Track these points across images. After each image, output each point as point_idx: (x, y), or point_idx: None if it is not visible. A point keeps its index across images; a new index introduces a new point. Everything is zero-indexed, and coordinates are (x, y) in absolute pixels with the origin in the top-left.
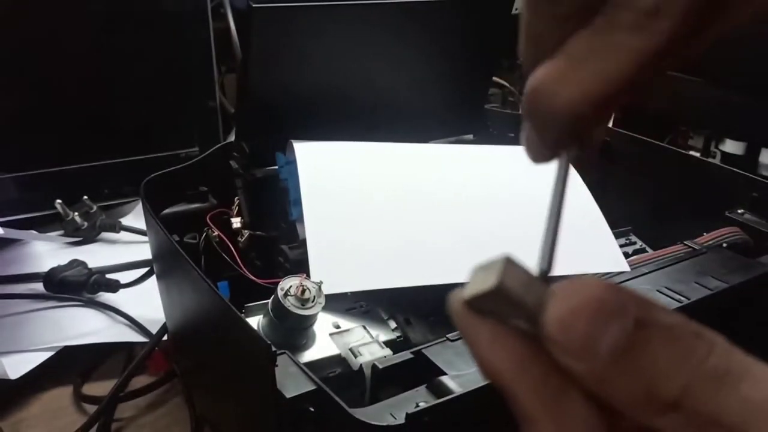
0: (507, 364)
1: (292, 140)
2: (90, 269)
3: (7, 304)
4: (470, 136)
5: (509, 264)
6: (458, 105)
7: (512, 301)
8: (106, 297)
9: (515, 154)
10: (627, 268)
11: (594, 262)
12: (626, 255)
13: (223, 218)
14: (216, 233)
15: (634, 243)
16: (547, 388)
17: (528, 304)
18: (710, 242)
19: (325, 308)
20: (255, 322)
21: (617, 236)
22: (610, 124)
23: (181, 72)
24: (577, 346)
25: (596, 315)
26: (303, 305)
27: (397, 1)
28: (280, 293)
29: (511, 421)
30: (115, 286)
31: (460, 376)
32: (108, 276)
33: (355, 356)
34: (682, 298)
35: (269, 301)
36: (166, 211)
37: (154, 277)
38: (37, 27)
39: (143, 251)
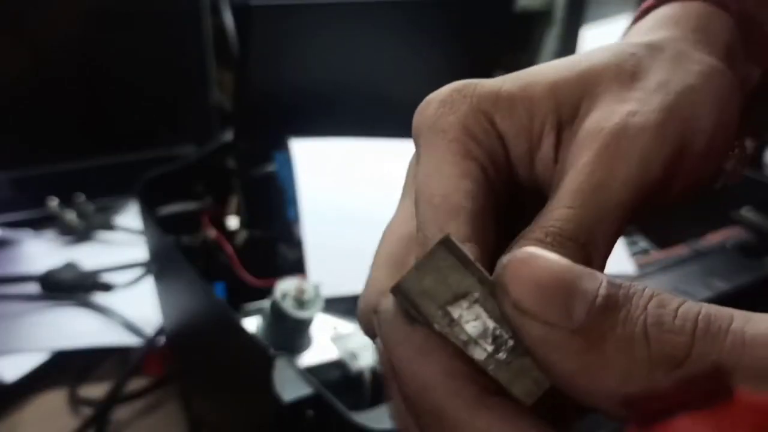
0: (438, 378)
1: (290, 138)
2: (85, 270)
3: (2, 305)
4: None
5: (448, 236)
6: None
7: (463, 263)
8: (101, 298)
9: None
10: (632, 270)
11: None
12: (631, 256)
13: (220, 218)
14: (213, 233)
15: (639, 243)
16: (477, 403)
17: (479, 268)
18: (715, 243)
19: (324, 311)
20: (252, 323)
21: (622, 237)
22: None
23: (178, 70)
24: (557, 306)
25: (567, 270)
26: (301, 307)
27: (397, 0)
28: (277, 295)
29: None
30: (110, 287)
31: None
32: (103, 276)
33: (355, 360)
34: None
35: (267, 302)
36: (163, 210)
37: (150, 277)
38: (34, 25)
39: (139, 251)
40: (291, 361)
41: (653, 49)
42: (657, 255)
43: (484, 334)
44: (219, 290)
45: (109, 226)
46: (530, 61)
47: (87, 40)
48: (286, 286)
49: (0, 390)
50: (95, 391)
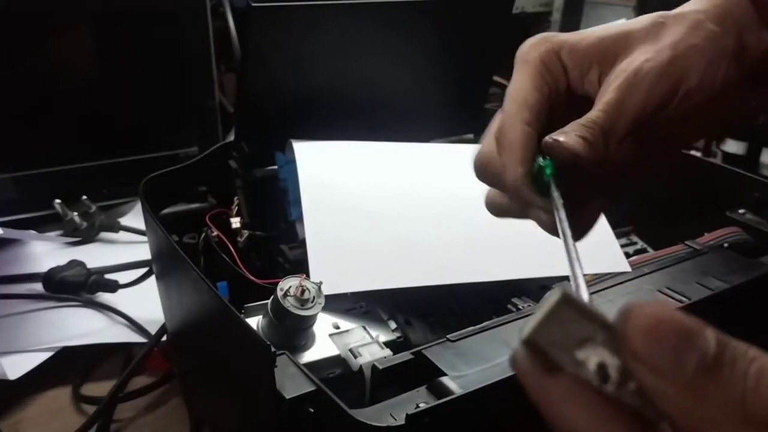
0: (585, 417)
1: (292, 140)
2: (89, 269)
3: (7, 304)
4: (470, 136)
5: (565, 291)
6: (458, 105)
7: (581, 313)
8: (105, 297)
9: None
10: (628, 269)
11: (595, 263)
12: (627, 255)
13: (223, 218)
14: (215, 233)
15: (635, 243)
16: None
17: (598, 315)
18: (711, 242)
19: (324, 309)
20: (254, 322)
21: (618, 236)
22: None
23: (181, 71)
24: (668, 360)
25: (681, 329)
26: (302, 306)
27: (397, 0)
28: (279, 294)
29: (511, 422)
30: (114, 287)
31: (461, 377)
32: (107, 276)
33: (355, 357)
34: (684, 299)
35: (269, 301)
36: (166, 211)
37: (153, 277)
38: (37, 27)
39: (142, 251)
40: (293, 359)
41: (678, 17)
42: (653, 254)
43: (609, 370)
44: (222, 289)
45: (112, 227)
46: None
47: (90, 43)
48: (287, 284)
49: (4, 387)
50: (99, 389)
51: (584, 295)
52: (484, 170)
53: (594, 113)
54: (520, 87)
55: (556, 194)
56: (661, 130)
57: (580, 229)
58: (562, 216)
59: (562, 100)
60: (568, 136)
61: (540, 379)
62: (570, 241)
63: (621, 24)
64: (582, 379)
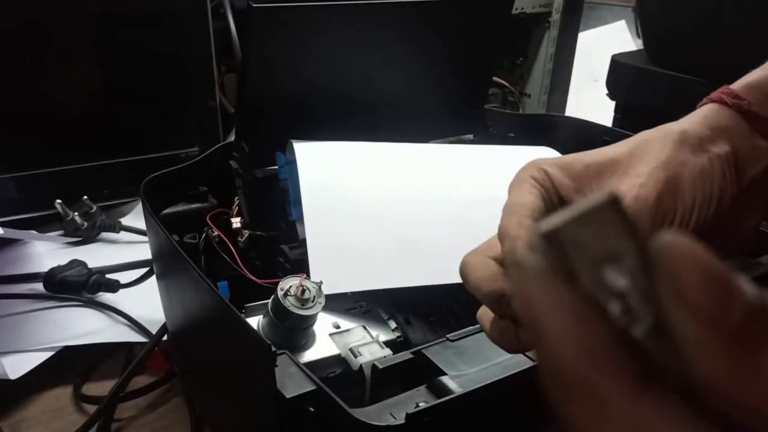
0: (587, 345)
1: (292, 140)
2: (90, 269)
3: (7, 304)
4: (470, 136)
5: (615, 194)
6: (458, 105)
7: (624, 225)
8: (105, 297)
9: (515, 154)
10: None
11: None
12: None
13: (223, 218)
14: (216, 233)
15: None
16: (638, 387)
17: (640, 236)
18: None
19: (325, 308)
20: (255, 322)
21: None
22: (610, 124)
23: (181, 72)
24: (715, 304)
25: (729, 274)
26: (303, 305)
27: (397, 1)
28: (280, 293)
29: (511, 421)
30: (114, 286)
31: (460, 376)
32: (108, 276)
33: (355, 356)
34: None
35: (269, 301)
36: (166, 211)
37: (153, 277)
38: (37, 26)
39: (143, 251)
40: (293, 358)
41: (668, 133)
42: None
43: (631, 300)
44: (222, 289)
45: (113, 227)
46: (528, 64)
47: (92, 42)
48: (288, 284)
49: (5, 387)
50: (100, 388)
51: None
52: (500, 302)
53: None
54: (515, 199)
55: None
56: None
57: None
58: None
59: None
60: None
61: (548, 284)
62: None
63: (604, 150)
64: (596, 301)
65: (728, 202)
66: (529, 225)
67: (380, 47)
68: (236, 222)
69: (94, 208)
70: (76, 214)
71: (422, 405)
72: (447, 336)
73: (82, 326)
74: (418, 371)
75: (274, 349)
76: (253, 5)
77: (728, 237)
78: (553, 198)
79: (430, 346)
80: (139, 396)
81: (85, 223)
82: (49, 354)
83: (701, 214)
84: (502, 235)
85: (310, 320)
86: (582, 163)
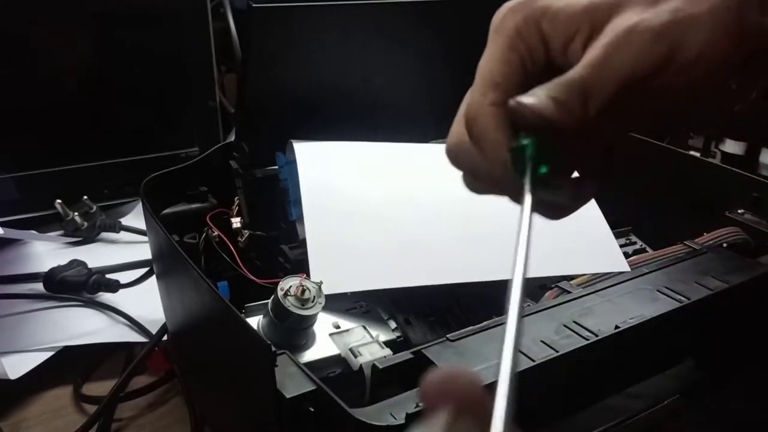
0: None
1: (292, 140)
2: (90, 269)
3: (7, 304)
4: None
5: None
6: (458, 105)
7: None
8: (105, 297)
9: None
10: (627, 268)
11: (594, 263)
12: (626, 255)
13: (223, 218)
14: (216, 233)
15: (635, 243)
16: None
17: None
18: (710, 242)
19: (325, 308)
20: (255, 322)
21: (617, 236)
22: None
23: (181, 72)
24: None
25: None
26: (303, 305)
27: (397, 1)
28: (280, 293)
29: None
30: (114, 286)
31: None
32: (108, 276)
33: (355, 356)
34: (683, 298)
35: (269, 301)
36: (166, 211)
37: (153, 277)
38: (37, 26)
39: (143, 251)
40: (293, 358)
41: None
42: (652, 254)
43: None
44: (222, 289)
45: (113, 227)
46: None
47: (91, 43)
48: (288, 284)
49: (5, 387)
50: (100, 388)
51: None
52: (457, 159)
53: (573, 71)
54: (488, 62)
55: (527, 182)
56: (647, 106)
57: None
58: (526, 210)
59: (540, 75)
60: (535, 97)
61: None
62: (524, 240)
63: None
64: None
65: (728, 70)
66: (494, 100)
67: (380, 47)
68: (236, 222)
69: (94, 208)
70: (76, 214)
71: (422, 405)
72: (447, 336)
73: (82, 326)
74: (418, 371)
75: (274, 349)
76: (253, 5)
77: (722, 97)
78: (536, 58)
79: (430, 346)
80: (139, 396)
81: (85, 223)
82: (49, 354)
83: (700, 69)
84: (468, 121)
85: (310, 320)
86: (585, 1)
